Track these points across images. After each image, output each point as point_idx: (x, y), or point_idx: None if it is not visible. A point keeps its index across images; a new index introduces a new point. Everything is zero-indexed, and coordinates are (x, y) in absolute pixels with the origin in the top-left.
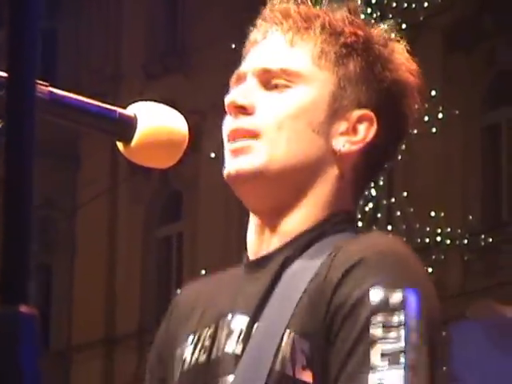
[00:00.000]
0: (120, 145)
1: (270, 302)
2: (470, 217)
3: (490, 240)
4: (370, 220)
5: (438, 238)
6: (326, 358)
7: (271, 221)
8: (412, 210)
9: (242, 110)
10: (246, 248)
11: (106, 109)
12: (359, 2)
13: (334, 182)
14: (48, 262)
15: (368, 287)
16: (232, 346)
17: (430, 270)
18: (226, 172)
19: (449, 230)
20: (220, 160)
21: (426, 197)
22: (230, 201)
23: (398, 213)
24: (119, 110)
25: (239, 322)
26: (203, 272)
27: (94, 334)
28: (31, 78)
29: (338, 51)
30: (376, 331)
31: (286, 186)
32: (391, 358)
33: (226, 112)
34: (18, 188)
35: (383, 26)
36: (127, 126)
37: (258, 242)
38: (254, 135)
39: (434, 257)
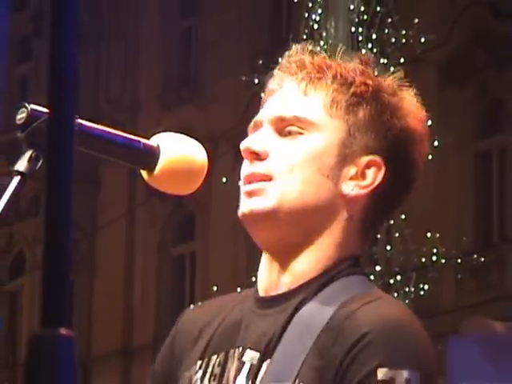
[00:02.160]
0: (144, 173)
1: (281, 343)
2: (464, 238)
3: (482, 260)
4: (371, 240)
5: (434, 258)
6: None
7: (281, 260)
8: (409, 231)
9: (256, 156)
10: (255, 281)
11: (132, 139)
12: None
13: (343, 225)
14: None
15: (375, 367)
16: (242, 382)
17: (426, 287)
18: (240, 212)
19: (443, 250)
20: (229, 184)
21: (423, 219)
22: (238, 223)
23: (397, 234)
24: (143, 140)
25: (249, 357)
26: (214, 288)
27: (112, 346)
28: (71, 113)
29: (348, 100)
30: None
31: (296, 226)
32: None
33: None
34: (59, 214)
35: (393, 76)
36: (151, 156)
37: (269, 279)
38: (267, 179)
39: (429, 275)
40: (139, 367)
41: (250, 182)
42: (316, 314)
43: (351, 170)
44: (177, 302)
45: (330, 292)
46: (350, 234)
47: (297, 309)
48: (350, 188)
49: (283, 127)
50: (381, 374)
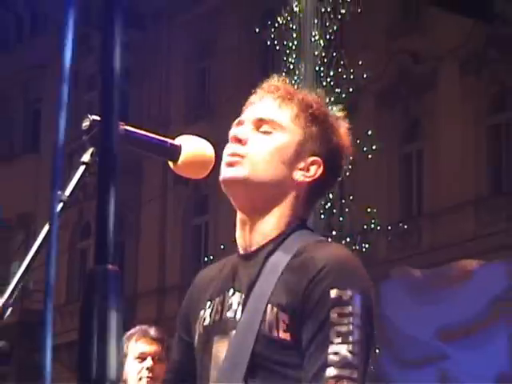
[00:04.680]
0: (170, 163)
1: (257, 284)
2: (392, 212)
3: (405, 227)
4: (329, 214)
5: (372, 226)
6: (299, 329)
7: (252, 222)
8: (355, 207)
9: (239, 142)
10: (235, 240)
11: (162, 140)
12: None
13: (293, 200)
14: (122, 240)
15: (329, 288)
16: (233, 313)
17: (366, 245)
18: (221, 177)
19: (378, 220)
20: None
21: (365, 199)
22: None
23: (347, 209)
24: (170, 140)
25: (237, 296)
26: (222, 246)
27: (150, 286)
28: (115, 120)
29: (307, 117)
30: (334, 318)
31: (260, 195)
32: (343, 337)
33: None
34: (107, 188)
35: (335, 107)
36: (175, 151)
37: (244, 240)
38: (243, 156)
39: (369, 237)
40: (170, 301)
41: (233, 156)
42: (280, 259)
43: (301, 164)
44: (196, 256)
45: (288, 243)
46: (297, 205)
47: (266, 258)
48: (299, 176)
49: (260, 125)
50: (332, 293)
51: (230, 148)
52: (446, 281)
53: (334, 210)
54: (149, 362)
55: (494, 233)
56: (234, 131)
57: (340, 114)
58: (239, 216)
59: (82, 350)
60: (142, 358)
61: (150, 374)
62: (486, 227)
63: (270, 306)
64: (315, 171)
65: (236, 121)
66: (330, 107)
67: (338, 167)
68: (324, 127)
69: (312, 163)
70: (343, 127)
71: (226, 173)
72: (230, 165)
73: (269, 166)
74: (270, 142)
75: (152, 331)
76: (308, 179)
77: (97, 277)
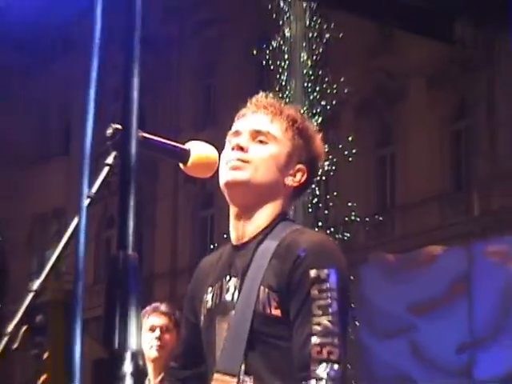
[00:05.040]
0: (181, 165)
1: (250, 269)
2: (369, 206)
3: (380, 218)
4: (316, 208)
5: (352, 218)
6: (287, 305)
7: (246, 216)
8: (339, 202)
9: (241, 149)
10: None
11: (174, 145)
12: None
13: (281, 199)
14: (140, 230)
15: (308, 269)
16: (230, 296)
17: (348, 234)
18: (224, 180)
19: (358, 213)
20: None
21: (346, 195)
22: None
23: (331, 204)
24: (180, 145)
25: (233, 281)
26: (225, 236)
27: (163, 269)
28: (135, 128)
29: (294, 131)
30: (314, 294)
31: (257, 195)
32: (323, 309)
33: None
34: (127, 185)
35: (313, 122)
36: (185, 155)
37: (237, 232)
38: (247, 162)
39: (350, 228)
40: (181, 282)
41: (237, 161)
42: (268, 247)
43: (290, 170)
44: (203, 243)
45: (275, 233)
46: (284, 203)
47: (257, 247)
48: (288, 181)
49: (256, 136)
50: (312, 273)
51: (232, 154)
52: (415, 264)
53: (320, 205)
54: (157, 333)
55: (455, 223)
56: (236, 140)
57: (316, 126)
58: (234, 211)
59: (107, 324)
60: (152, 329)
61: (159, 343)
62: (448, 218)
63: (262, 287)
64: (301, 177)
65: (233, 130)
66: (311, 119)
67: (316, 172)
68: (306, 139)
69: (298, 170)
70: (319, 138)
71: (230, 175)
72: (236, 168)
73: (267, 171)
74: (267, 151)
75: (162, 307)
76: (295, 184)
77: (119, 261)
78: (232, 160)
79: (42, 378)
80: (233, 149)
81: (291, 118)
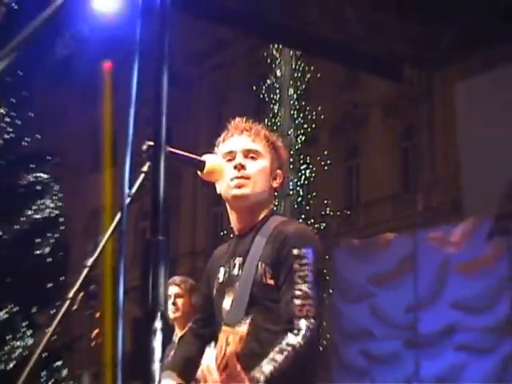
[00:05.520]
0: (198, 172)
1: (250, 252)
2: (340, 203)
3: (348, 212)
4: (300, 205)
5: (327, 212)
6: (277, 276)
7: (247, 215)
8: (317, 199)
9: (242, 167)
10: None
11: (193, 157)
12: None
13: (270, 198)
14: (167, 221)
15: (292, 248)
16: (236, 271)
17: (324, 224)
18: (233, 194)
19: (332, 208)
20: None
21: (323, 195)
22: None
23: (311, 201)
24: (198, 157)
25: (238, 260)
26: (231, 226)
27: (185, 251)
28: (163, 144)
29: (269, 146)
30: (296, 267)
31: (256, 201)
32: (302, 279)
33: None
34: (158, 188)
35: (283, 143)
36: (201, 165)
37: (239, 226)
38: (247, 178)
39: (322, 220)
40: (199, 261)
41: (240, 179)
42: (264, 234)
43: (273, 176)
44: (215, 231)
45: (268, 224)
46: (271, 201)
47: (255, 234)
48: (274, 184)
49: (248, 154)
50: (294, 251)
51: (235, 172)
52: (374, 247)
53: (303, 203)
54: (172, 299)
55: (404, 216)
56: (239, 160)
57: (297, 144)
58: (235, 214)
59: (142, 291)
60: (169, 297)
61: (174, 307)
62: (398, 213)
63: (259, 263)
64: (279, 180)
65: (226, 150)
66: (297, 139)
67: (285, 172)
68: (277, 150)
69: (277, 175)
70: (283, 147)
71: (237, 192)
72: (241, 186)
73: (262, 182)
74: (259, 165)
75: (176, 279)
76: (277, 185)
77: (152, 244)
78: (235, 178)
79: (95, 332)
80: (235, 167)
81: (266, 136)
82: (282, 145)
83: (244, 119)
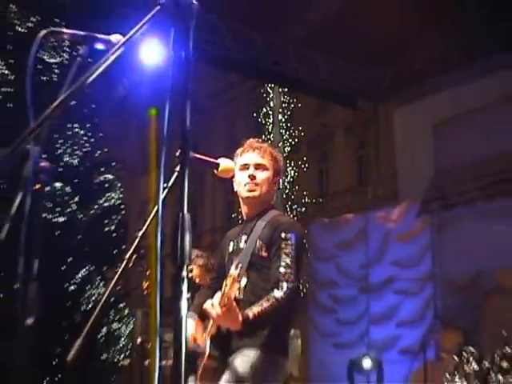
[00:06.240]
0: (215, 171)
1: (252, 232)
2: (314, 194)
3: (320, 200)
4: (287, 197)
5: (306, 200)
6: (270, 251)
7: (254, 208)
8: (298, 194)
9: (254, 178)
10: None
11: (211, 161)
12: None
13: (271, 197)
14: (194, 208)
15: (281, 232)
16: (242, 245)
17: (304, 209)
18: (246, 196)
19: (308, 198)
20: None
21: (303, 188)
22: None
23: (294, 193)
24: (215, 160)
25: (244, 237)
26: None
27: (206, 227)
28: (189, 152)
29: (272, 159)
30: (282, 246)
31: (262, 201)
32: (287, 254)
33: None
34: (184, 186)
35: (281, 156)
36: (217, 166)
37: (248, 214)
38: (256, 185)
39: (299, 209)
40: (218, 236)
41: (251, 184)
42: (263, 221)
43: (275, 182)
44: (229, 216)
45: (267, 215)
46: (271, 198)
47: (257, 221)
48: (274, 187)
49: (258, 167)
50: (282, 235)
51: (249, 180)
52: (339, 224)
53: (289, 194)
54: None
55: (358, 203)
56: (249, 171)
57: (284, 153)
58: (245, 207)
59: (174, 249)
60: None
61: (190, 274)
62: (355, 200)
63: (258, 241)
64: (278, 184)
65: (242, 163)
66: (284, 150)
67: (281, 178)
68: (277, 162)
69: (277, 180)
70: (281, 159)
71: (249, 194)
72: (252, 191)
73: (266, 187)
74: (265, 175)
75: (195, 251)
76: (276, 187)
77: (180, 218)
78: (248, 184)
79: (145, 284)
80: (249, 176)
81: (270, 152)
82: (280, 157)
83: (256, 140)
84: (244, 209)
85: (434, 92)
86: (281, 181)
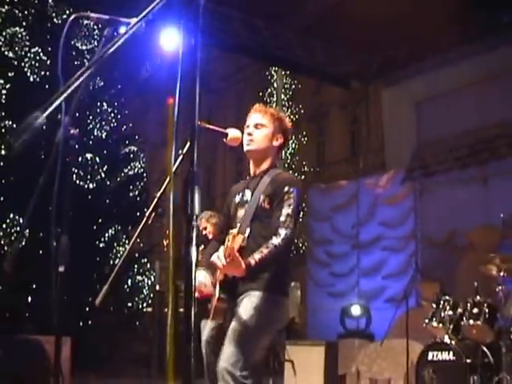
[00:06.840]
0: (224, 140)
1: (257, 188)
2: (313, 163)
3: (318, 169)
4: (289, 165)
5: (305, 169)
6: (273, 204)
7: (258, 165)
8: (298, 163)
9: (250, 135)
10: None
11: (220, 130)
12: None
13: (273, 154)
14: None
15: (284, 187)
16: (247, 198)
17: (303, 176)
18: (245, 149)
19: (307, 166)
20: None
21: (303, 158)
22: None
23: (296, 163)
24: (224, 130)
25: (248, 192)
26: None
27: (218, 191)
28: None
29: (274, 118)
30: (285, 198)
31: (261, 154)
32: (288, 206)
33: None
34: (192, 171)
35: (287, 118)
36: (226, 135)
37: (253, 171)
38: (252, 140)
39: (304, 174)
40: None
41: (248, 140)
42: (267, 177)
43: (275, 138)
44: (238, 179)
45: (270, 172)
46: (274, 156)
47: (262, 177)
48: (274, 143)
49: (257, 125)
50: (285, 189)
51: (248, 136)
52: (334, 189)
53: (291, 164)
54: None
55: (351, 172)
56: (248, 130)
57: (284, 114)
58: (251, 162)
59: (184, 206)
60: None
61: (204, 231)
62: (349, 169)
63: (262, 195)
64: (280, 141)
65: (247, 124)
66: (282, 113)
67: (287, 137)
68: (280, 121)
69: (278, 137)
70: (287, 120)
71: (248, 147)
72: (249, 144)
73: (265, 143)
74: (262, 132)
75: (208, 212)
76: (277, 144)
77: (189, 174)
78: (247, 140)
79: (165, 241)
80: (248, 134)
81: (271, 113)
82: (284, 118)
83: (261, 104)
84: (251, 165)
85: (417, 74)
86: (287, 143)
